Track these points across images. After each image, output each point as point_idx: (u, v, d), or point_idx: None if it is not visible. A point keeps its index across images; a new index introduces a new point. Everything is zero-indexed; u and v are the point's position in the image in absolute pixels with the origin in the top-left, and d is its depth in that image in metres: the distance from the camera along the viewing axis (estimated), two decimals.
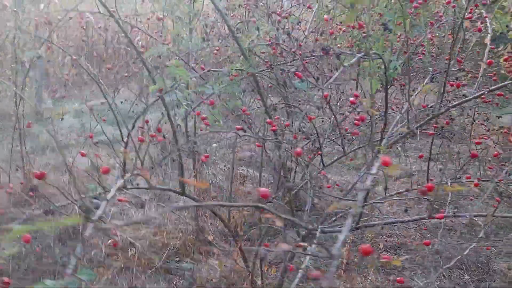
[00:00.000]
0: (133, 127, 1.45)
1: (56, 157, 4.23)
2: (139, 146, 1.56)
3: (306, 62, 1.69)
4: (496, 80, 1.77)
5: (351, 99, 1.33)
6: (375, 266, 2.26)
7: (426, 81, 1.65)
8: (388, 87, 1.41)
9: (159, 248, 3.01)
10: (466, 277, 2.30)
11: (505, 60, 1.79)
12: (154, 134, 1.52)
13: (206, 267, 2.75)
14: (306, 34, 1.84)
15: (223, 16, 1.34)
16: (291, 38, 1.66)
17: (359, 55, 1.29)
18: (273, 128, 1.50)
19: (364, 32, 1.55)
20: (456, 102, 1.29)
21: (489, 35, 1.67)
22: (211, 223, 3.46)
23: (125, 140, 1.42)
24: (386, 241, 2.93)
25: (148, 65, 1.57)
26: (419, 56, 2.13)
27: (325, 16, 1.87)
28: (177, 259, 2.99)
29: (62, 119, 3.67)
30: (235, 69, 1.41)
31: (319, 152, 1.61)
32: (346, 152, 1.59)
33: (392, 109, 2.31)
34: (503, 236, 2.89)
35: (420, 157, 2.38)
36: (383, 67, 1.30)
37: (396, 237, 3.01)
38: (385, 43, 1.31)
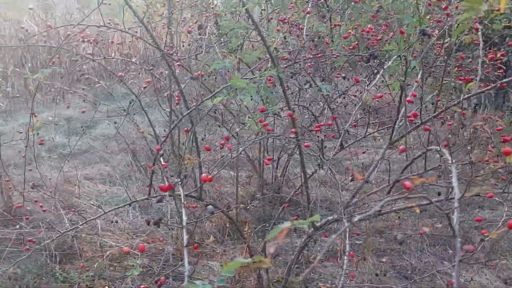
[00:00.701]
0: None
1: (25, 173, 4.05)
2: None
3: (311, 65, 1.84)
4: (503, 74, 2.03)
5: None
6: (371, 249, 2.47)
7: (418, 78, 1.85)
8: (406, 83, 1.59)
9: (153, 255, 3.05)
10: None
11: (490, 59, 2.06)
12: (223, 142, 1.58)
13: (211, 268, 2.83)
14: (304, 38, 1.99)
15: (258, 28, 1.44)
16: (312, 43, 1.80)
17: (394, 56, 1.46)
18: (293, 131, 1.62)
19: (379, 37, 1.73)
20: (465, 96, 1.49)
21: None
22: (197, 226, 3.53)
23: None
24: None
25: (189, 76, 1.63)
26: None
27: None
28: (173, 264, 3.04)
29: (38, 133, 3.54)
30: (269, 75, 1.50)
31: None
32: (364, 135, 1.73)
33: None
34: None
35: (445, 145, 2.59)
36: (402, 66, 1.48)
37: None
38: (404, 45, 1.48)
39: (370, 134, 2.09)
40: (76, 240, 2.76)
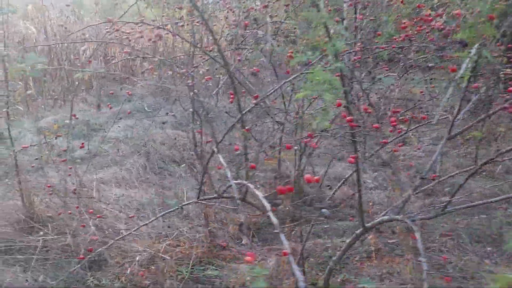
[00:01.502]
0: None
1: (39, 178, 3.96)
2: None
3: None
4: None
5: None
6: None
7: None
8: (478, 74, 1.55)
9: (181, 259, 2.98)
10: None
11: None
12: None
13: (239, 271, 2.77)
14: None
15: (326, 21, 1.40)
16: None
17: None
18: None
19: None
20: None
21: None
22: (220, 228, 3.48)
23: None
24: None
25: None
26: None
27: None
28: (202, 267, 2.98)
29: (56, 137, 3.47)
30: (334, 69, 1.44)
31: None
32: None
33: None
34: None
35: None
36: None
37: None
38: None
39: (412, 130, 2.05)
40: (105, 247, 2.69)
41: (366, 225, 1.87)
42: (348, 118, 1.42)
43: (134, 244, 2.84)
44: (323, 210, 1.33)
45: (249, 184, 1.43)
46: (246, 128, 1.95)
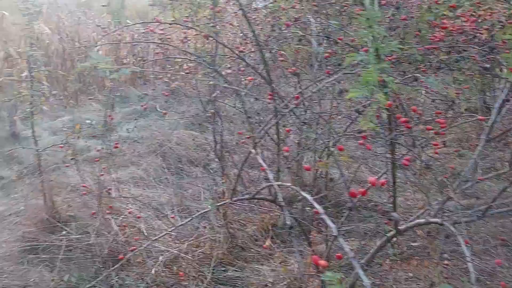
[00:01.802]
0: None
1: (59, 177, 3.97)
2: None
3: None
4: None
5: None
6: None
7: None
8: None
9: (202, 260, 2.98)
10: None
11: None
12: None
13: (267, 272, 2.76)
14: None
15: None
16: None
17: None
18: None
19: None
20: None
21: None
22: (238, 229, 3.47)
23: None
24: None
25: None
26: None
27: None
28: (223, 269, 2.98)
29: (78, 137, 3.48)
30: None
31: None
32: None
33: None
34: None
35: None
36: None
37: None
38: None
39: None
40: (128, 246, 2.69)
41: (400, 227, 1.84)
42: (402, 119, 1.40)
43: (156, 244, 2.83)
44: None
45: (295, 187, 1.41)
46: (287, 128, 1.93)
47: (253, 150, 1.67)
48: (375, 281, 2.55)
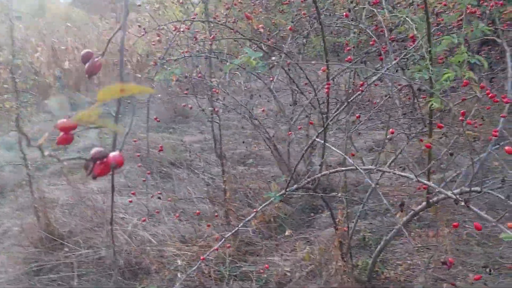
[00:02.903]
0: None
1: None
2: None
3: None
4: None
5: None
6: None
7: None
8: None
9: (210, 261, 2.95)
10: None
11: None
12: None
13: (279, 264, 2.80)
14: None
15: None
16: None
17: None
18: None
19: None
20: None
21: None
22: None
23: None
24: None
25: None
26: None
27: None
28: (236, 265, 2.97)
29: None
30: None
31: None
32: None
33: None
34: None
35: None
36: None
37: None
38: None
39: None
40: (145, 255, 2.60)
41: (429, 201, 1.97)
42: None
43: (170, 248, 2.77)
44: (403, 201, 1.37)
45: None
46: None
47: (317, 139, 1.71)
48: (386, 256, 2.68)
